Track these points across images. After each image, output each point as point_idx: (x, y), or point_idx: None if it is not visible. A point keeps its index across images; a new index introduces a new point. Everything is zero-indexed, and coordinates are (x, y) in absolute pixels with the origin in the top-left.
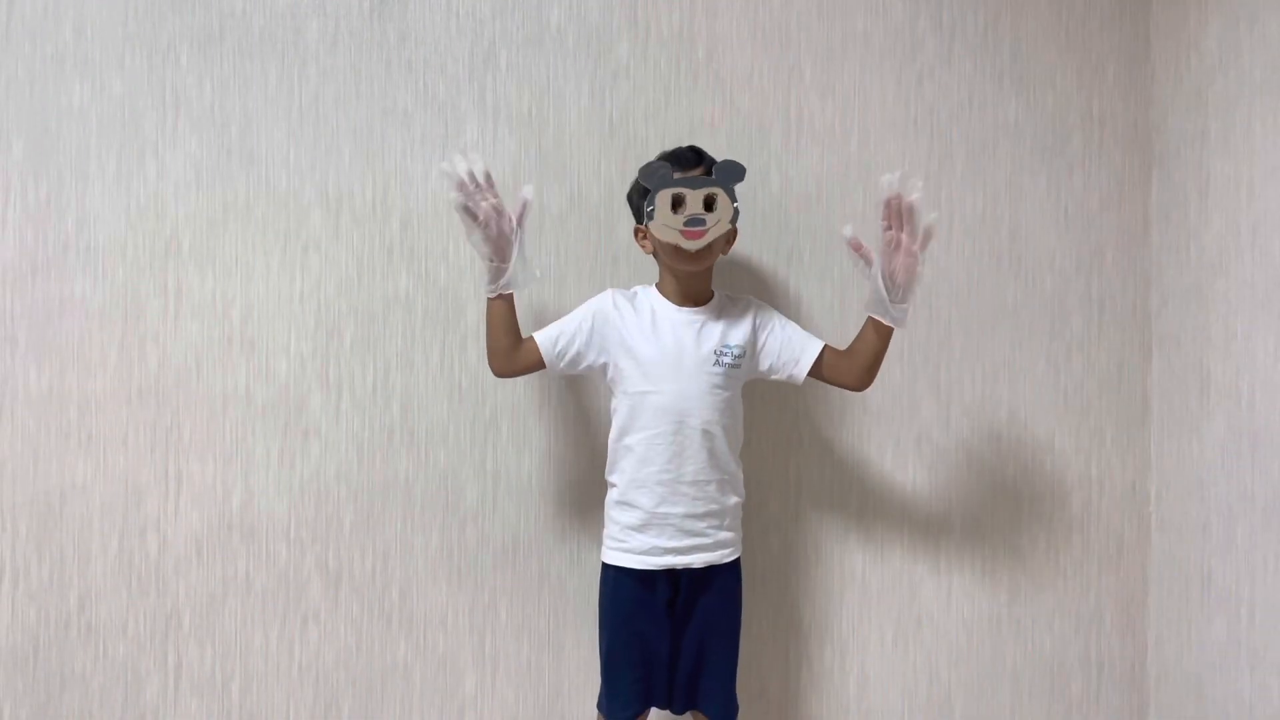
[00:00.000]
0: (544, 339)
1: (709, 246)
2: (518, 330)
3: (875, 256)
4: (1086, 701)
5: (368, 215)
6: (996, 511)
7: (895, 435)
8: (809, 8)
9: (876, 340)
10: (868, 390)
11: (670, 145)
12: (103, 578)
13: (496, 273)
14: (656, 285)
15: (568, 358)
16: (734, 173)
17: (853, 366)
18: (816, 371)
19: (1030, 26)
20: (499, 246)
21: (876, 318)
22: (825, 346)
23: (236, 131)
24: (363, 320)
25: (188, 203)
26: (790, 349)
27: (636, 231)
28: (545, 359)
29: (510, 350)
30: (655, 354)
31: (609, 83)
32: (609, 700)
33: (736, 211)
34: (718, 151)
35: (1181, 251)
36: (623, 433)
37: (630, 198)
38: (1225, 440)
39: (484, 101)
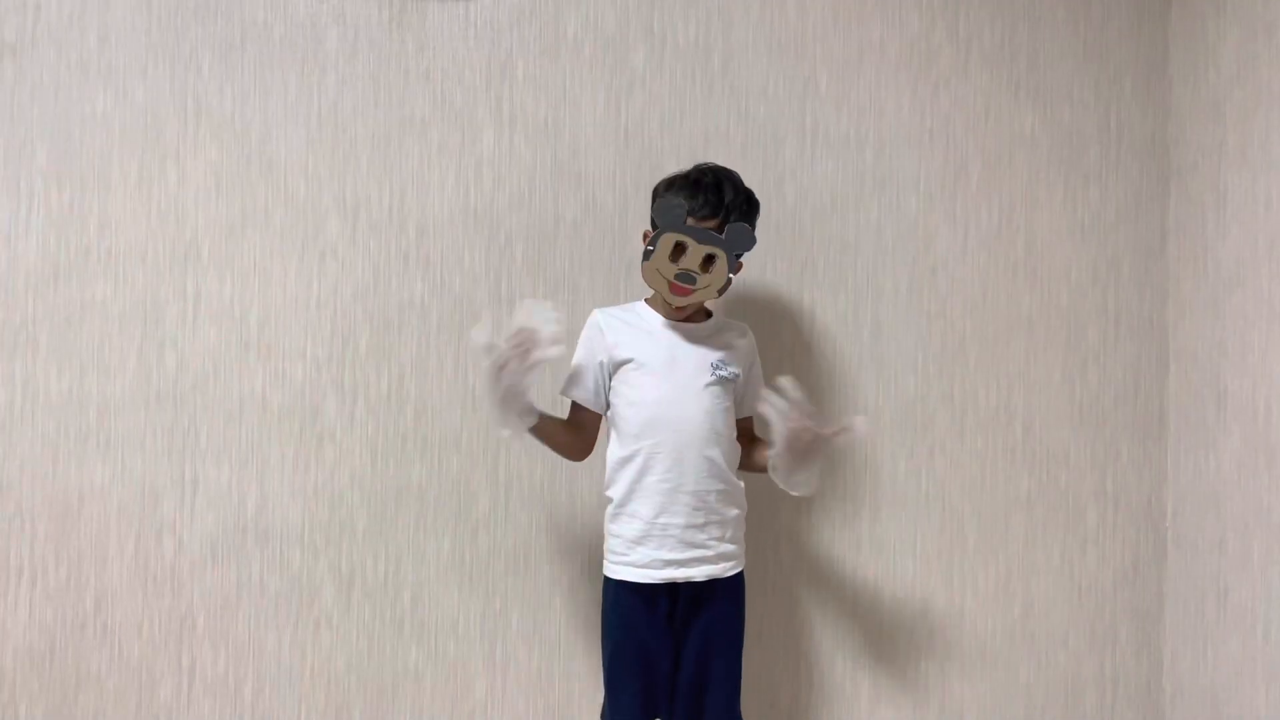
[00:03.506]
0: (588, 399)
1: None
2: (569, 425)
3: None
4: (1101, 717)
5: (384, 222)
6: (1011, 525)
7: (909, 447)
8: (825, 18)
9: (759, 465)
10: (881, 400)
11: (685, 155)
12: (119, 579)
13: (519, 418)
14: (648, 300)
15: (605, 395)
16: (743, 241)
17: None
18: (742, 420)
19: (1047, 38)
20: (511, 395)
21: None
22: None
23: (256, 139)
24: (378, 326)
25: (207, 209)
26: (751, 389)
27: (646, 235)
28: (600, 412)
29: (576, 439)
30: (650, 362)
31: (624, 92)
32: (612, 713)
33: (730, 282)
34: (732, 161)
35: (1198, 264)
36: (621, 443)
37: (655, 197)
38: (1242, 455)
39: (500, 111)
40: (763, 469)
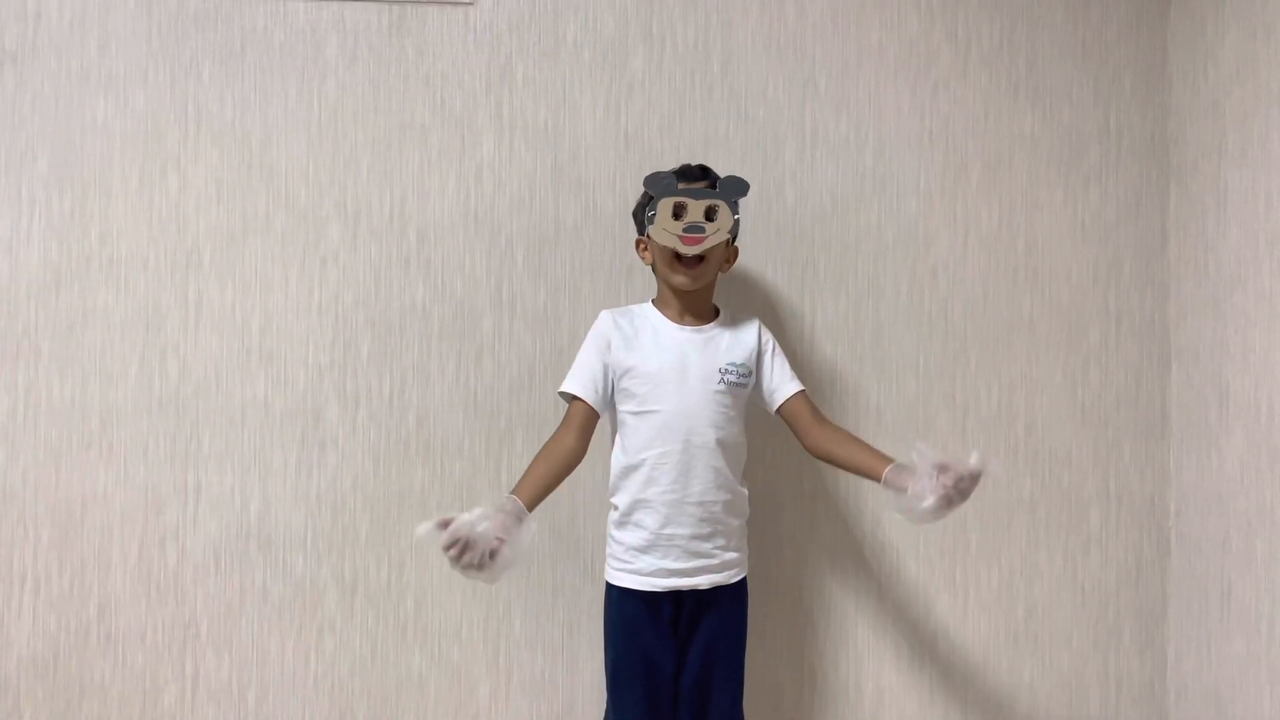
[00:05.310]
0: (587, 393)
1: (706, 262)
2: (561, 457)
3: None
4: (1105, 718)
5: (385, 228)
6: (1013, 526)
7: (911, 448)
8: (824, 20)
9: (858, 470)
10: (882, 402)
11: (685, 158)
12: (122, 587)
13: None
14: (654, 301)
15: (608, 395)
16: (738, 188)
17: (817, 444)
18: (781, 409)
19: (1046, 39)
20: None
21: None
22: (800, 393)
23: (257, 145)
24: (379, 332)
25: (208, 216)
26: (773, 380)
27: (638, 243)
28: (599, 411)
29: (571, 458)
30: (658, 370)
31: (624, 96)
32: (615, 717)
33: (737, 224)
34: (731, 164)
35: (1199, 264)
36: (627, 452)
37: (635, 214)
38: (1244, 454)
39: (500, 115)
40: (857, 471)
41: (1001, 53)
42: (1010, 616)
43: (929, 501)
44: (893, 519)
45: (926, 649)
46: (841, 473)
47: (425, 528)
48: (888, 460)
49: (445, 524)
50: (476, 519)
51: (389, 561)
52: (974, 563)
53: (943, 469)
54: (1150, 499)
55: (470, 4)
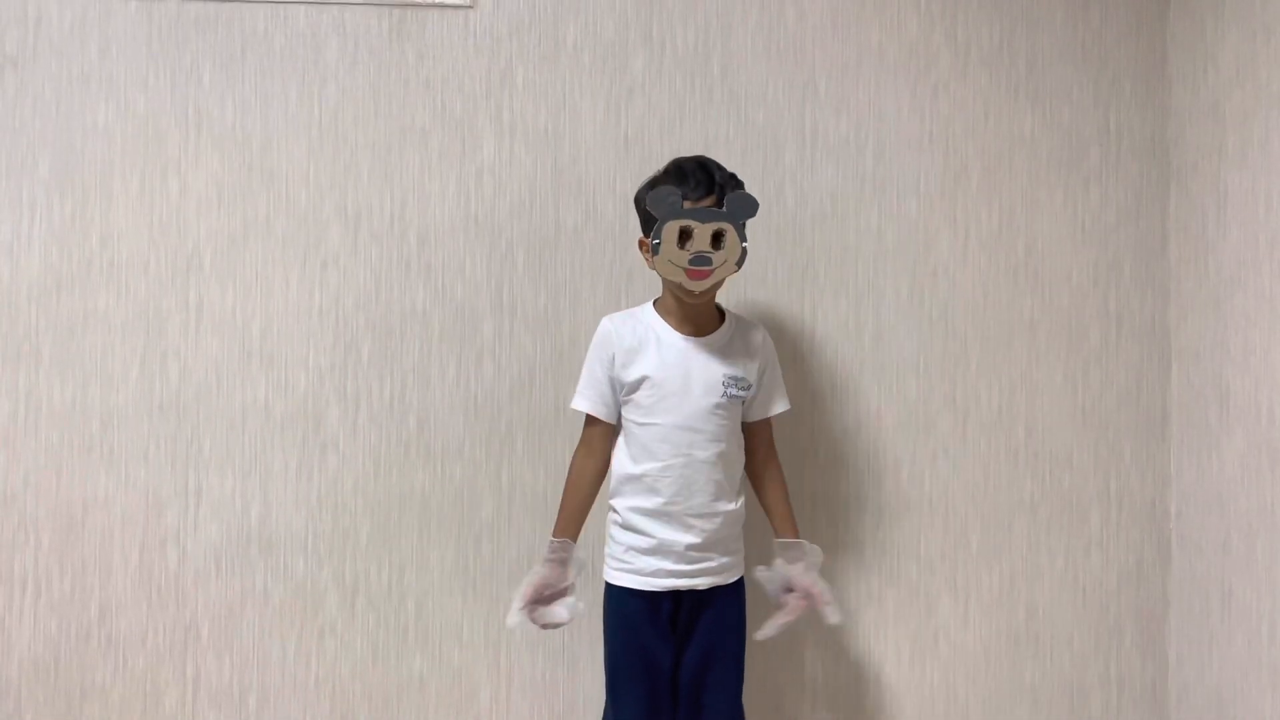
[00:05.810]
0: (599, 409)
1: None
2: (591, 481)
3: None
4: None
5: (385, 231)
6: (1014, 527)
7: (911, 450)
8: (823, 23)
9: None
10: (883, 404)
11: None
12: (123, 590)
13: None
14: (657, 304)
15: (618, 405)
16: (746, 208)
17: (754, 476)
18: (749, 426)
19: (1046, 40)
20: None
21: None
22: (769, 419)
23: (257, 149)
24: (380, 335)
25: (209, 219)
26: (759, 397)
27: (641, 243)
28: (613, 424)
29: (596, 477)
30: (662, 382)
31: (624, 99)
32: (615, 715)
33: (744, 252)
34: (732, 166)
35: (1199, 265)
36: (630, 460)
37: (637, 203)
38: (1245, 455)
39: (500, 118)
40: (765, 513)
41: (1001, 54)
42: (1011, 618)
43: (764, 631)
44: (894, 520)
45: (927, 650)
46: (842, 472)
47: (515, 620)
48: (787, 530)
49: (530, 606)
50: (576, 613)
51: (390, 564)
52: (975, 564)
53: (788, 591)
54: (1151, 500)
55: (470, 7)
